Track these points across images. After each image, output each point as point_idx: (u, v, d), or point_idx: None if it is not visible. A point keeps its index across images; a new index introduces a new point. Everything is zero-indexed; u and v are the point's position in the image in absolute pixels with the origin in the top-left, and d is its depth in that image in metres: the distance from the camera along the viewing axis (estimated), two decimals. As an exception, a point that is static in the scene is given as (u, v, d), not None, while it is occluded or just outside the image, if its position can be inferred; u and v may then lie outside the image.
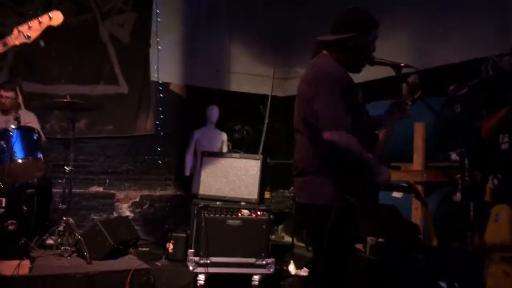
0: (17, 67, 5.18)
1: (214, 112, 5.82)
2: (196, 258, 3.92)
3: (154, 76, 5.95)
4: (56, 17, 2.10)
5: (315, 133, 2.15)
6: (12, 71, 5.12)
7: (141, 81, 5.86)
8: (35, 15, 2.09)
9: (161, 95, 6.00)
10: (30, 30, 2.04)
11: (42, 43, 2.05)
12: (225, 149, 5.83)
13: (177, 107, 6.14)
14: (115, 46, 5.71)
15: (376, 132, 2.37)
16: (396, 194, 4.25)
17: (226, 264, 3.92)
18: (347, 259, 2.30)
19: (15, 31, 2.05)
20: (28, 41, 2.06)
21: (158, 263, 4.28)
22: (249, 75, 6.60)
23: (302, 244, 4.98)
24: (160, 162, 5.99)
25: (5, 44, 2.03)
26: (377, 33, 2.29)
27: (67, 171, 3.98)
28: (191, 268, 3.91)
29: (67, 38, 5.38)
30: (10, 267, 3.29)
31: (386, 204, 3.89)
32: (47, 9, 5.31)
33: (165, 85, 6.07)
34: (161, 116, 5.97)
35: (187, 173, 5.75)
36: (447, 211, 3.78)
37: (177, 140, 6.01)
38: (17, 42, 2.05)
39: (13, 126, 3.62)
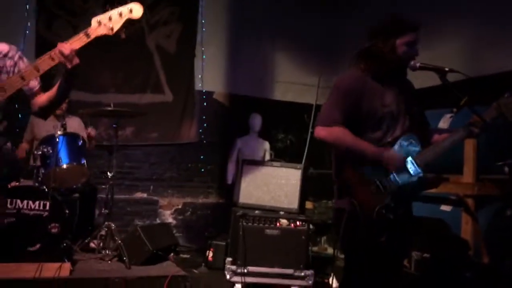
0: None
1: (257, 121, 5.81)
2: (233, 267, 3.89)
3: (198, 85, 6.04)
4: (136, 10, 2.00)
5: None
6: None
7: (185, 90, 5.96)
8: (112, 6, 2.01)
9: (205, 103, 6.06)
10: (111, 22, 1.96)
11: (123, 35, 1.89)
12: (267, 158, 5.79)
13: (221, 116, 6.18)
14: (161, 56, 5.85)
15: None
16: (445, 208, 4.03)
17: (264, 274, 3.86)
18: (362, 269, 2.19)
19: (95, 22, 1.98)
20: (111, 33, 1.98)
21: (196, 271, 4.28)
22: (293, 84, 6.55)
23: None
24: (203, 170, 6.03)
25: (87, 35, 1.94)
26: (413, 36, 2.23)
27: (109, 177, 4.07)
28: (228, 276, 3.88)
29: (117, 49, 5.56)
30: (52, 269, 3.37)
31: (433, 218, 3.71)
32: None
33: (209, 94, 6.13)
34: (205, 125, 6.03)
35: (229, 181, 5.75)
36: (499, 227, 3.54)
37: (220, 148, 6.04)
38: (99, 33, 1.97)
39: (59, 132, 3.76)
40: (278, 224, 3.99)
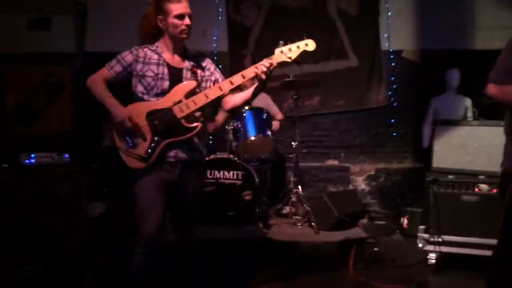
0: (259, 53, 5.73)
1: (454, 76, 5.24)
2: (426, 236, 3.66)
3: (384, 45, 5.71)
4: (311, 45, 2.43)
5: None
6: (254, 58, 5.68)
7: (371, 52, 5.71)
8: (292, 40, 2.44)
9: (393, 64, 5.71)
10: (290, 52, 2.39)
11: (299, 60, 2.42)
12: (469, 117, 5.18)
13: (412, 75, 5.73)
14: (343, 20, 5.72)
15: None
16: None
17: (461, 244, 3.52)
18: None
19: (278, 52, 2.40)
20: (289, 60, 2.41)
21: (386, 238, 4.16)
22: (499, 29, 5.61)
23: None
24: (395, 134, 5.74)
25: (271, 64, 2.38)
26: None
27: (293, 146, 4.23)
28: (420, 245, 3.67)
29: (299, 21, 5.66)
30: (248, 232, 3.74)
31: None
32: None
33: (397, 52, 5.74)
34: (394, 86, 5.70)
35: (426, 144, 5.36)
36: None
37: (413, 110, 5.64)
38: (280, 60, 2.40)
39: (246, 107, 4.05)
40: (476, 189, 3.56)
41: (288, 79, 4.12)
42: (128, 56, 2.48)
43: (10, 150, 4.26)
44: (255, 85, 2.48)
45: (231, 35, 5.77)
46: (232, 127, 4.04)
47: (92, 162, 4.18)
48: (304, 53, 2.45)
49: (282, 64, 2.45)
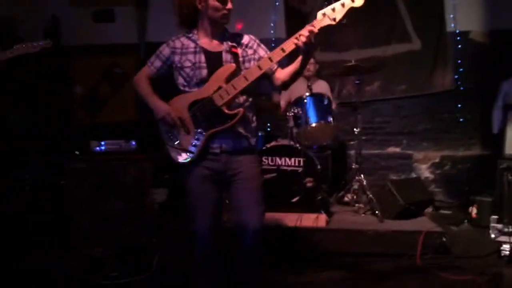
0: (317, 40, 5.62)
1: (527, 58, 4.92)
2: (499, 226, 3.48)
3: (450, 26, 5.43)
4: (358, 0, 2.15)
5: None
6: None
7: (435, 34, 5.44)
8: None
9: (459, 46, 5.42)
10: (334, 13, 2.14)
11: (344, 22, 2.14)
12: (544, 100, 4.86)
13: (480, 57, 5.42)
14: (405, 1, 5.49)
15: None
16: None
17: (537, 235, 3.31)
18: None
19: (320, 15, 2.17)
20: (333, 23, 2.16)
21: (454, 228, 3.99)
22: None
23: None
24: (461, 119, 5.47)
25: (312, 30, 2.15)
26: None
27: (356, 133, 4.13)
28: (493, 236, 3.50)
29: (358, 5, 5.49)
30: (310, 220, 3.70)
31: None
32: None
33: (464, 34, 5.44)
34: (461, 69, 5.42)
35: (495, 130, 5.09)
36: None
37: (481, 94, 5.34)
38: (323, 24, 2.16)
39: (306, 94, 4.00)
40: (556, 177, 3.34)
41: (349, 64, 4.01)
42: (165, 50, 2.40)
43: (78, 138, 4.47)
44: (301, 56, 2.24)
45: (289, 21, 5.70)
46: (293, 114, 4.00)
47: (156, 150, 4.30)
48: (351, 11, 2.15)
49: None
